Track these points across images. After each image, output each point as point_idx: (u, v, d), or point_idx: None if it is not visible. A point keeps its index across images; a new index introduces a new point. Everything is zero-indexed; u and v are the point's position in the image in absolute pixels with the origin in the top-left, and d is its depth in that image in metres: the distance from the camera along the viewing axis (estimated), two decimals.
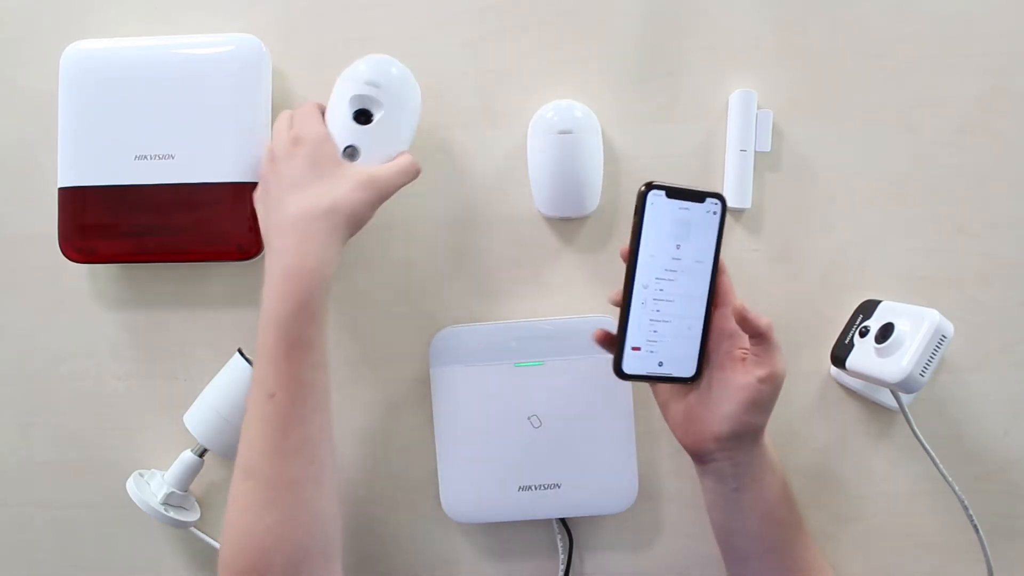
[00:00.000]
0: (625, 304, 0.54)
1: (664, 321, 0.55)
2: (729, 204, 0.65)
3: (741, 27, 0.67)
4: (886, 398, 0.64)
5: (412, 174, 0.58)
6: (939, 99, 0.67)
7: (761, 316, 0.53)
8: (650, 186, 0.53)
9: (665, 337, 0.55)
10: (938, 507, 0.65)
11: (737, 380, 0.54)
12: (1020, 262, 0.66)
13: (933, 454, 0.61)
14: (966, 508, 0.60)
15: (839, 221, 0.67)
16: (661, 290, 0.54)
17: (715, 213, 0.54)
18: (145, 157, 0.63)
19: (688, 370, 0.56)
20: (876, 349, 0.59)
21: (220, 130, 0.63)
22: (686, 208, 0.53)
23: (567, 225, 0.67)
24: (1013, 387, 0.66)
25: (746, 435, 0.54)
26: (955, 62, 0.66)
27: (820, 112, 0.67)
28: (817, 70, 0.67)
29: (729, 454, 0.55)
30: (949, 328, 0.57)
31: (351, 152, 0.58)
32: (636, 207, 0.53)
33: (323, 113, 0.60)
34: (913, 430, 0.61)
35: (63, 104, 0.64)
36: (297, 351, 0.52)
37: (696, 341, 0.56)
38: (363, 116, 0.58)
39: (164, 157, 0.63)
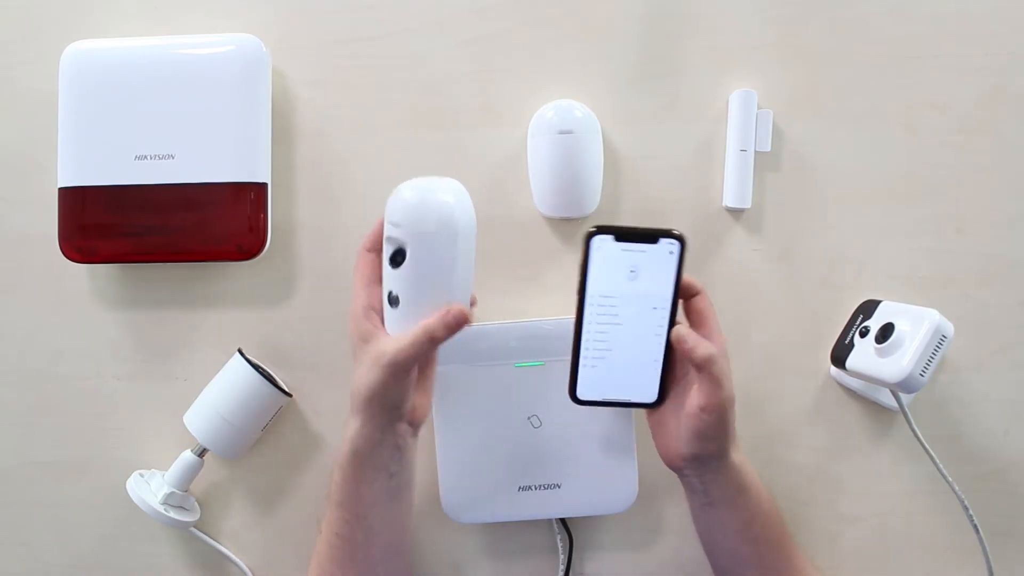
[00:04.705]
0: (576, 339, 0.55)
1: (617, 353, 0.56)
2: (729, 204, 0.66)
3: (741, 27, 0.67)
4: (886, 398, 0.64)
5: (426, 343, 0.51)
6: (939, 99, 0.67)
7: (699, 347, 0.52)
8: (597, 229, 0.52)
9: (619, 369, 0.56)
10: (938, 507, 0.65)
11: (687, 407, 0.54)
12: (1020, 262, 0.66)
13: (933, 454, 0.61)
14: (966, 508, 0.60)
15: (839, 221, 0.67)
16: (617, 326, 0.55)
17: (672, 253, 0.53)
18: (145, 157, 0.63)
19: (650, 396, 0.57)
20: (876, 349, 0.59)
21: (220, 130, 0.63)
22: (640, 250, 0.53)
23: (567, 225, 0.67)
24: (1013, 387, 0.66)
25: (707, 458, 0.55)
26: (955, 62, 0.66)
27: (820, 112, 0.67)
28: (817, 70, 0.67)
29: (696, 472, 0.56)
30: (949, 328, 0.57)
31: (393, 298, 0.53)
32: (582, 251, 0.53)
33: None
34: (913, 430, 0.61)
35: (63, 104, 0.64)
36: (332, 504, 0.56)
37: (657, 369, 0.56)
38: (399, 257, 0.52)
39: (164, 157, 0.63)
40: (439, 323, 0.52)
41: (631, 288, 0.54)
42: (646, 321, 0.54)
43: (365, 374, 0.52)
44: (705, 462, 0.55)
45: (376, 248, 0.55)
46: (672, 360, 0.56)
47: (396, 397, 0.53)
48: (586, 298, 0.54)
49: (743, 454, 0.57)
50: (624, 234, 0.52)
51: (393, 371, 0.51)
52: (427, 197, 0.52)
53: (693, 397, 0.53)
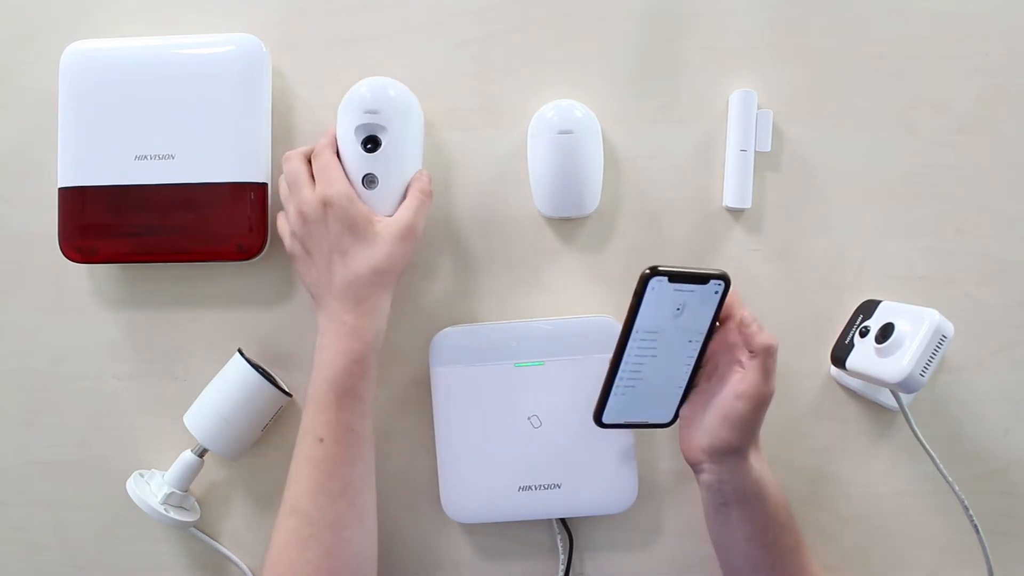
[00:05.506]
0: (612, 369, 0.57)
1: (647, 381, 0.58)
2: (729, 204, 0.66)
3: (741, 27, 0.67)
4: (886, 398, 0.64)
5: (428, 203, 0.61)
6: (939, 99, 0.67)
7: (761, 335, 0.54)
8: (653, 271, 0.54)
9: (645, 395, 0.58)
10: (938, 507, 0.65)
11: (720, 393, 0.56)
12: (1020, 262, 0.66)
13: (933, 454, 0.61)
14: (966, 508, 0.60)
15: (839, 221, 0.67)
16: (653, 357, 0.57)
17: (717, 292, 0.55)
18: (145, 157, 0.63)
19: (665, 417, 0.60)
20: (876, 349, 0.59)
21: (220, 130, 0.63)
22: (689, 290, 0.55)
23: (567, 225, 0.67)
24: (1013, 387, 0.66)
25: (725, 451, 0.55)
26: (955, 62, 0.66)
27: (820, 112, 0.67)
28: (817, 70, 0.67)
29: (714, 468, 0.56)
30: (949, 328, 0.57)
31: (370, 180, 0.59)
32: (636, 291, 0.54)
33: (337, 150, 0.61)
34: (913, 430, 0.61)
35: (63, 104, 0.64)
36: (347, 401, 0.56)
37: (678, 394, 0.59)
38: (371, 143, 0.60)
39: (164, 157, 0.63)
40: (427, 184, 0.61)
41: (674, 324, 0.56)
42: (680, 352, 0.56)
43: (393, 249, 0.57)
44: (723, 456, 0.55)
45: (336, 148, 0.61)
46: (690, 384, 0.59)
47: (410, 260, 0.59)
48: (632, 333, 0.55)
49: (766, 465, 0.57)
50: (678, 276, 0.54)
51: (416, 239, 0.58)
52: (398, 89, 0.62)
53: (732, 384, 0.55)
